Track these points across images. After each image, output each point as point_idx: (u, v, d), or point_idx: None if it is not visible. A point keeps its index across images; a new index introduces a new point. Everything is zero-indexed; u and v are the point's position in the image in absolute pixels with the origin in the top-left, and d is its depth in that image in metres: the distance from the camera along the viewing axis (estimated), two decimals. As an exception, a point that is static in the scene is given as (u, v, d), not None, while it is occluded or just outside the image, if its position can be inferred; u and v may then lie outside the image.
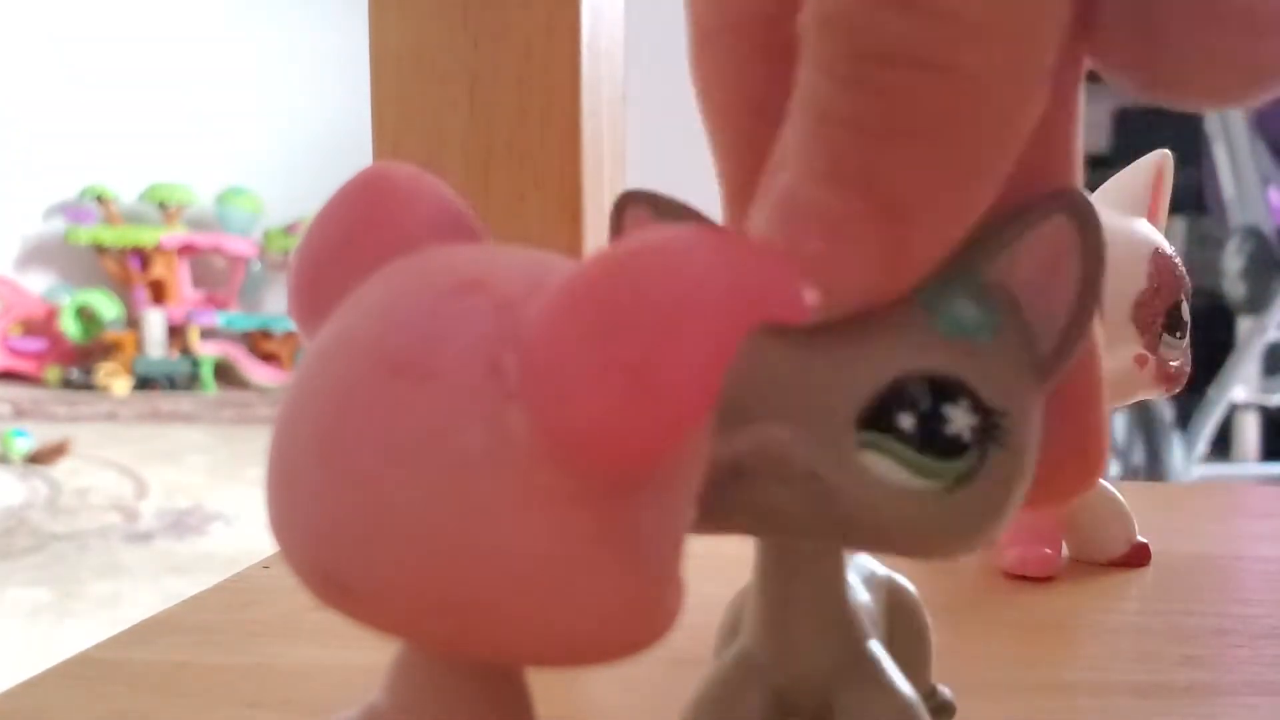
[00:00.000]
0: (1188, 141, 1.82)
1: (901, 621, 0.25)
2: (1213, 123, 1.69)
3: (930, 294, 0.19)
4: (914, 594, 0.26)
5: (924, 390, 0.19)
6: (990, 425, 0.19)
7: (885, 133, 0.13)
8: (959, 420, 0.18)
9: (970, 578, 0.36)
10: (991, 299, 0.19)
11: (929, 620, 0.26)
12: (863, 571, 0.24)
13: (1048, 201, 0.19)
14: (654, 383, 0.11)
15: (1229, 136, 1.68)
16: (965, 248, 0.19)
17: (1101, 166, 2.24)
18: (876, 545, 0.22)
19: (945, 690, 0.26)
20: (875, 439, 0.18)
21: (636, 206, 0.19)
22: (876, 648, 0.22)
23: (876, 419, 0.18)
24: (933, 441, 0.18)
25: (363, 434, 0.11)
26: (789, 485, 0.19)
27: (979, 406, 0.19)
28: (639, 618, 0.12)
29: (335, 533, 0.12)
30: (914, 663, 0.25)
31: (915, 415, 0.18)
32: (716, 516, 0.20)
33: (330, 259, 0.14)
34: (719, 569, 0.23)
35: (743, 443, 0.19)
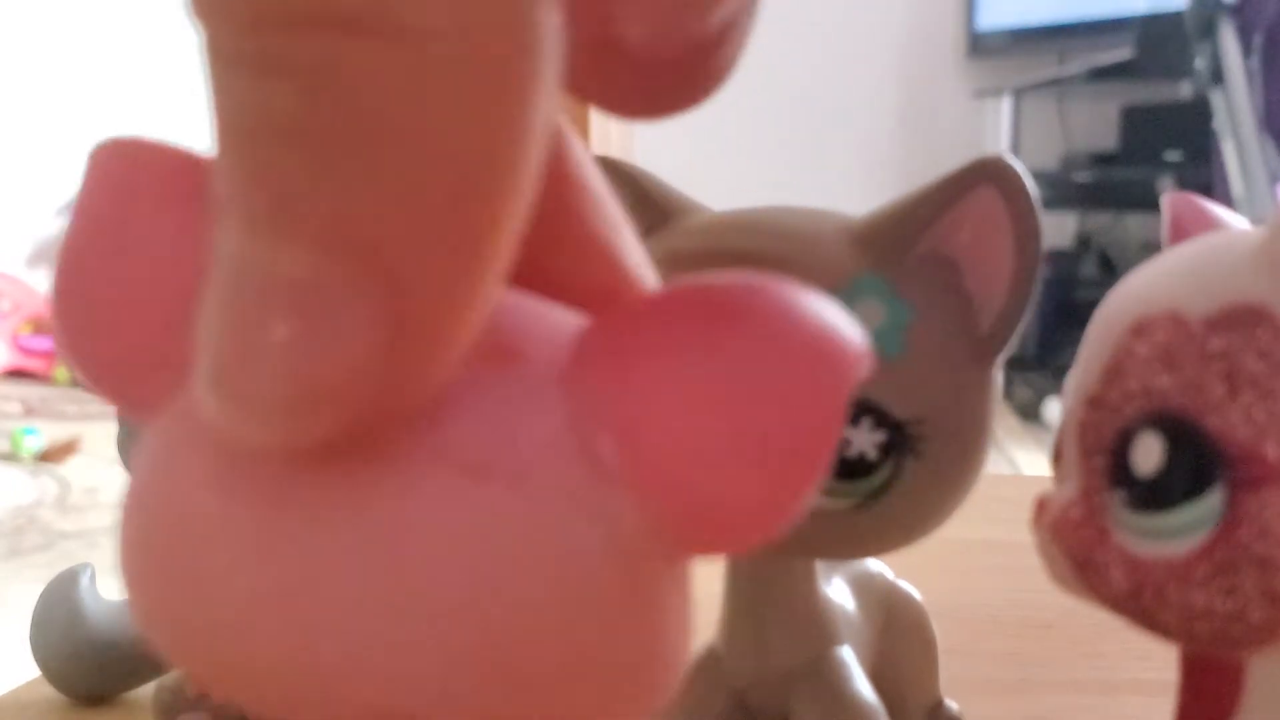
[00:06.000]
0: (1196, 140, 1.81)
1: (905, 634, 0.25)
2: (1221, 120, 1.68)
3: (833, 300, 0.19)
4: (919, 605, 0.25)
5: None
6: (902, 438, 0.18)
7: (328, 145, 0.08)
8: (861, 440, 0.18)
9: (974, 576, 0.36)
10: (900, 298, 0.19)
11: (935, 633, 0.26)
12: (858, 577, 0.24)
13: (972, 171, 0.18)
14: (789, 451, 0.10)
15: (1238, 134, 1.67)
16: (867, 243, 0.19)
17: (1109, 164, 2.23)
18: (806, 555, 0.21)
19: (952, 705, 0.26)
20: None
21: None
22: (844, 653, 0.22)
23: None
24: (835, 464, 0.18)
25: (445, 555, 0.09)
26: None
27: (886, 421, 0.18)
28: (665, 681, 0.11)
29: (415, 674, 0.09)
30: (919, 675, 0.25)
31: None
32: None
33: (108, 265, 0.10)
34: (719, 569, 0.23)
35: None
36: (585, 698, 0.10)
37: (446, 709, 0.10)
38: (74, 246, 0.11)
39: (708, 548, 0.10)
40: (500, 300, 0.10)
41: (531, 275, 0.11)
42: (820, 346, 0.10)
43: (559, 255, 0.11)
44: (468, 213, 0.09)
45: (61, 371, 2.58)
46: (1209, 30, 1.66)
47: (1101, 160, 2.15)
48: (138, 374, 0.11)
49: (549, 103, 0.09)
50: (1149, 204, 0.85)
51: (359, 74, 0.08)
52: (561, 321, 0.11)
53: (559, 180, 0.11)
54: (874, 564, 0.25)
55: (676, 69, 0.11)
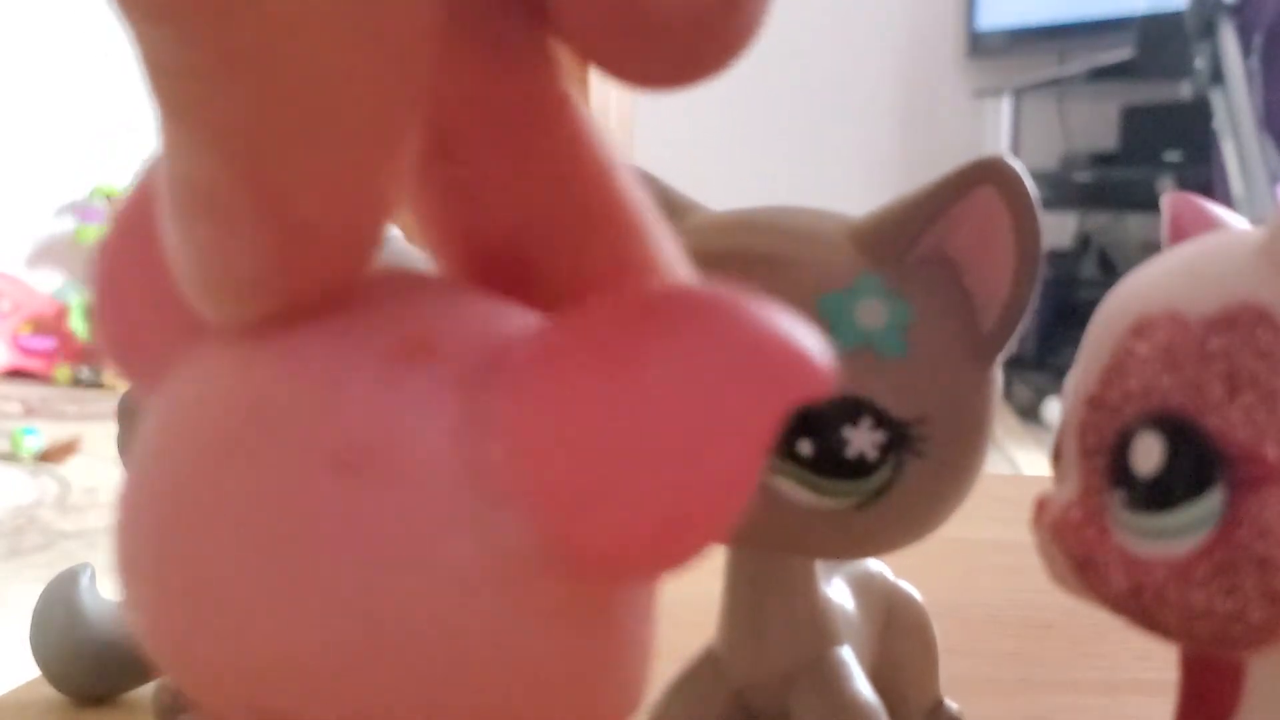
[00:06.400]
0: (1196, 139, 1.81)
1: (905, 634, 0.25)
2: (1221, 120, 1.68)
3: (830, 300, 0.19)
4: (919, 605, 0.25)
5: (821, 414, 0.18)
6: (902, 437, 0.18)
7: (217, 77, 0.09)
8: (861, 440, 0.18)
9: (974, 576, 0.36)
10: (901, 298, 0.19)
11: (935, 634, 0.26)
12: (858, 577, 0.24)
13: (972, 171, 0.18)
14: (703, 481, 0.09)
15: (1238, 134, 1.67)
16: (868, 243, 0.19)
17: (1109, 164, 2.23)
18: (807, 555, 0.21)
19: (952, 705, 0.26)
20: (779, 463, 0.18)
21: None
22: (844, 653, 0.22)
23: (780, 444, 0.18)
24: (834, 465, 0.18)
25: (316, 549, 0.09)
26: None
27: (885, 421, 0.18)
28: (625, 708, 0.11)
29: (286, 661, 0.09)
30: (920, 676, 0.25)
31: (813, 440, 0.18)
32: None
33: (140, 267, 0.11)
34: (719, 569, 0.23)
35: None
36: (464, 712, 0.10)
37: (324, 706, 0.09)
38: (112, 244, 0.12)
39: (605, 574, 0.10)
40: (435, 294, 0.11)
41: (553, 249, 0.11)
42: (752, 367, 0.09)
43: (583, 227, 0.11)
44: (344, 130, 0.09)
45: (62, 371, 2.58)
46: (1209, 30, 1.66)
47: (1101, 160, 2.15)
48: (150, 355, 0.11)
49: (427, 37, 0.09)
50: (1149, 204, 0.85)
51: (243, 18, 0.09)
52: (499, 323, 0.10)
53: (574, 153, 0.11)
54: (874, 564, 0.25)
55: (697, 29, 0.10)
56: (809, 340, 0.09)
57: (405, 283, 0.11)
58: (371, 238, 0.10)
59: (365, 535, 0.09)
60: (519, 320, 0.10)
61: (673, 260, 0.12)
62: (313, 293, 0.10)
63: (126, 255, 0.12)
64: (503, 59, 0.11)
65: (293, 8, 0.09)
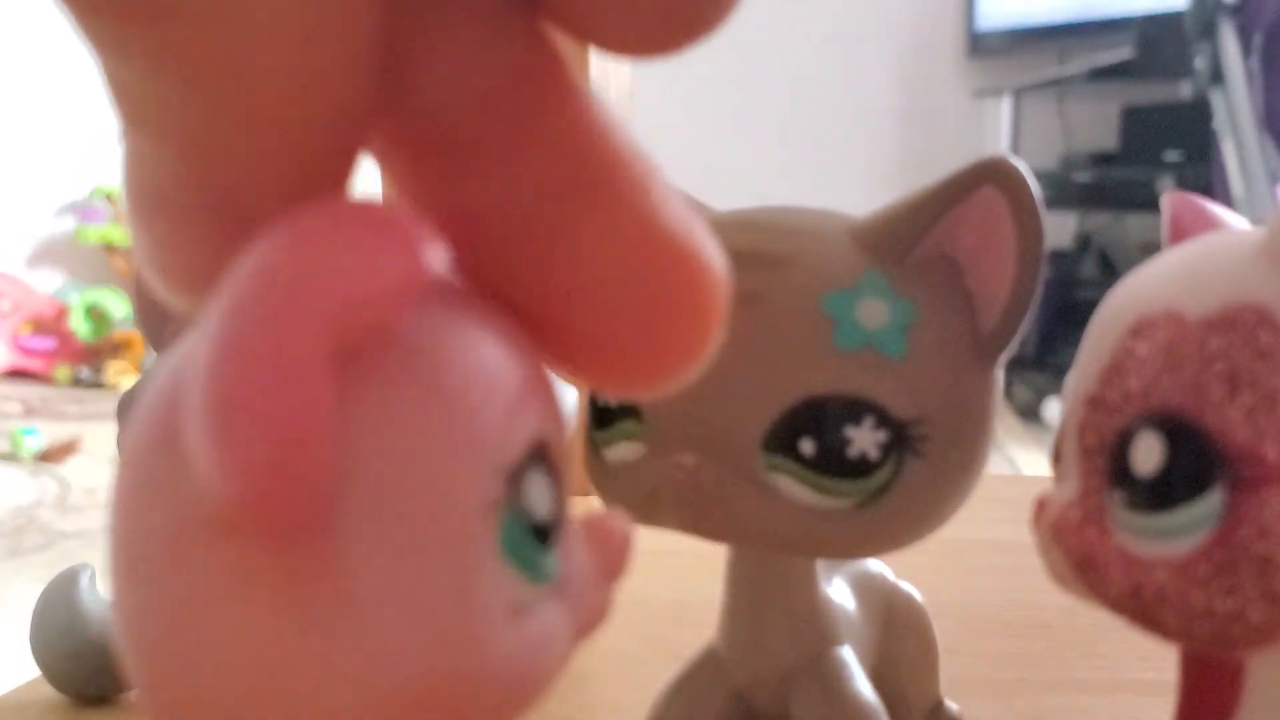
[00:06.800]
0: (1196, 139, 1.81)
1: (905, 634, 0.25)
2: (1221, 120, 1.68)
3: (833, 299, 0.19)
4: (919, 605, 0.25)
5: (824, 413, 0.18)
6: (903, 437, 0.18)
7: (168, 77, 0.09)
8: (863, 439, 0.18)
9: (974, 576, 0.36)
10: (902, 298, 0.19)
11: (935, 634, 0.26)
12: (858, 577, 0.24)
13: (974, 171, 0.18)
14: (244, 425, 0.09)
15: (1238, 134, 1.67)
16: (870, 242, 0.19)
17: (1109, 164, 2.23)
18: (806, 555, 0.21)
19: (952, 705, 0.26)
20: (781, 462, 0.18)
21: None
22: (844, 653, 0.22)
23: (781, 443, 0.18)
24: (836, 464, 0.18)
25: (119, 529, 0.10)
26: (697, 511, 0.18)
27: (887, 421, 0.18)
28: (442, 677, 0.10)
29: (136, 670, 0.10)
30: (920, 676, 0.25)
31: (815, 440, 0.18)
32: (666, 526, 0.20)
33: None
34: (719, 569, 0.23)
35: (653, 473, 0.19)
36: (221, 697, 0.09)
37: (136, 684, 0.10)
38: None
39: (260, 528, 0.09)
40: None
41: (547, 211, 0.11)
42: (288, 311, 0.09)
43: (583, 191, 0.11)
44: (283, 142, 0.10)
45: (62, 371, 2.58)
46: (1209, 30, 1.66)
47: (1101, 160, 2.15)
48: None
49: (370, 31, 0.10)
50: (1149, 204, 0.85)
51: (188, 36, 0.09)
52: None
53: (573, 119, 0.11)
54: (874, 564, 0.25)
55: None
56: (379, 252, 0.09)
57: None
58: None
59: (123, 515, 0.10)
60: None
61: (679, 219, 0.11)
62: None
63: None
64: (484, 27, 0.11)
65: (230, 14, 0.09)
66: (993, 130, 2.30)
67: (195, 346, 0.09)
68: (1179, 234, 0.19)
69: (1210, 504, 0.15)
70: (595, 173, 0.11)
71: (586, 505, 0.39)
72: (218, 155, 0.10)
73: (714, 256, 0.12)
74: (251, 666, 0.09)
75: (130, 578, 0.10)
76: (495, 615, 0.10)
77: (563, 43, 0.11)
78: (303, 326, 0.09)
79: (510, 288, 0.11)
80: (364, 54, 0.10)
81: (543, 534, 0.11)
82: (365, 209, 0.09)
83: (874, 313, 0.18)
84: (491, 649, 0.10)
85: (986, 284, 0.19)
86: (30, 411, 2.26)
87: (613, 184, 0.11)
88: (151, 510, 0.10)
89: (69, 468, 1.86)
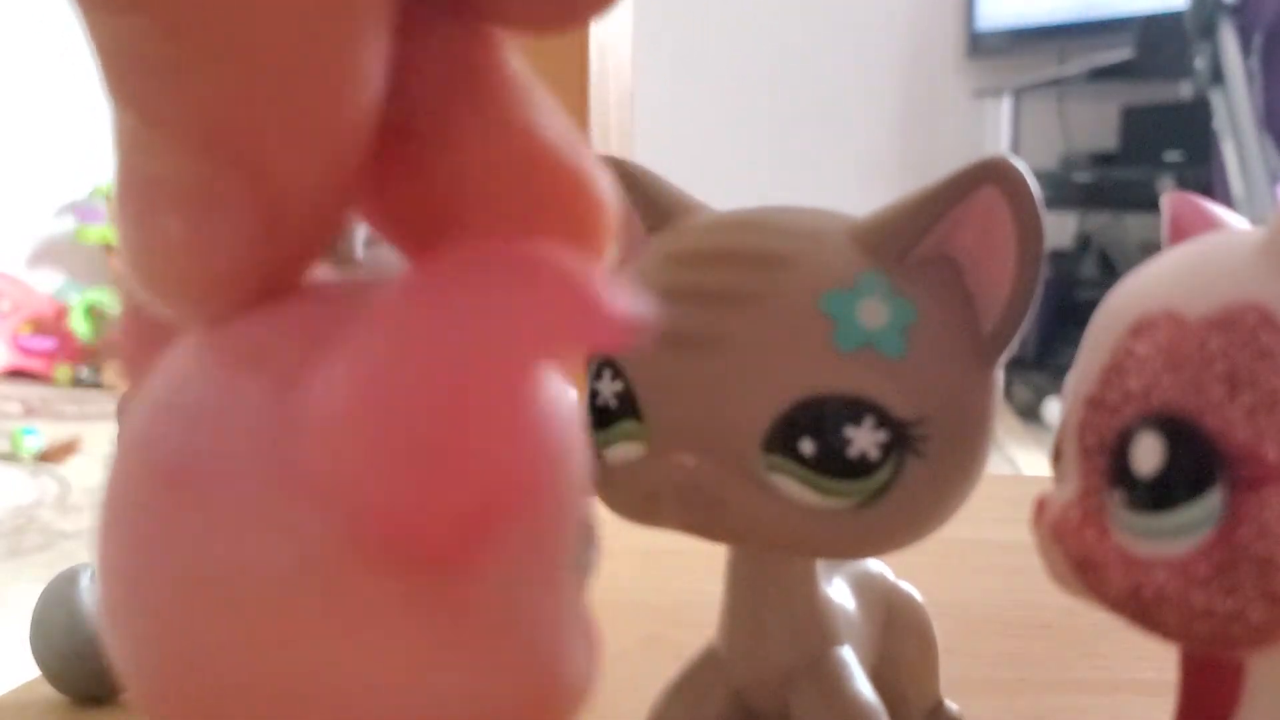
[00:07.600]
0: (1196, 139, 1.81)
1: (905, 634, 0.25)
2: (1221, 120, 1.68)
3: (832, 299, 0.19)
4: (919, 605, 0.25)
5: (824, 413, 0.18)
6: (903, 437, 0.18)
7: (187, 67, 0.09)
8: (863, 440, 0.18)
9: (974, 576, 0.36)
10: (902, 298, 0.19)
11: (935, 634, 0.26)
12: (858, 577, 0.24)
13: (974, 171, 0.18)
14: (449, 461, 0.08)
15: (1238, 134, 1.67)
16: (870, 243, 0.19)
17: (1109, 164, 2.23)
18: (806, 555, 0.21)
19: (952, 705, 0.26)
20: (780, 462, 0.18)
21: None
22: (844, 653, 0.22)
23: (780, 443, 0.18)
24: (836, 464, 0.18)
25: (151, 564, 0.10)
26: (697, 511, 0.18)
27: (887, 421, 0.18)
28: (527, 706, 0.10)
29: (143, 677, 0.10)
30: (920, 676, 0.25)
31: (815, 440, 0.18)
32: (666, 526, 0.20)
33: None
34: (719, 569, 0.23)
35: (653, 473, 0.19)
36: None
37: (159, 708, 0.10)
38: None
39: (417, 561, 0.09)
40: (322, 298, 0.10)
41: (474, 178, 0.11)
42: (495, 357, 0.08)
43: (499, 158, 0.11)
44: (319, 112, 0.09)
45: (62, 371, 2.58)
46: (1209, 30, 1.65)
47: (1101, 160, 2.15)
48: None
49: (381, 13, 0.09)
50: (1149, 204, 0.85)
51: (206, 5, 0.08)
52: (344, 315, 0.10)
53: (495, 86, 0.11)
54: (874, 564, 0.25)
55: None
56: (596, 289, 0.09)
57: (318, 288, 0.11)
58: (337, 219, 0.10)
59: (182, 553, 0.09)
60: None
61: (561, 136, 0.11)
62: (279, 285, 0.10)
63: None
64: (418, 20, 0.11)
65: None
66: (993, 130, 2.30)
67: (338, 377, 0.09)
68: (1179, 234, 0.19)
69: (1210, 504, 0.15)
70: (480, 79, 0.11)
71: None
72: (257, 138, 0.09)
73: (595, 174, 0.11)
74: (415, 696, 0.09)
75: (223, 616, 0.09)
76: (575, 627, 0.11)
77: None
78: (520, 368, 0.09)
79: (399, 192, 0.11)
80: (389, 25, 0.09)
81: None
82: (528, 249, 0.09)
83: (874, 313, 0.18)
84: (573, 660, 0.10)
85: (987, 284, 0.19)
86: (30, 411, 2.26)
87: (494, 92, 0.11)
88: (239, 546, 0.09)
89: (69, 468, 1.86)
